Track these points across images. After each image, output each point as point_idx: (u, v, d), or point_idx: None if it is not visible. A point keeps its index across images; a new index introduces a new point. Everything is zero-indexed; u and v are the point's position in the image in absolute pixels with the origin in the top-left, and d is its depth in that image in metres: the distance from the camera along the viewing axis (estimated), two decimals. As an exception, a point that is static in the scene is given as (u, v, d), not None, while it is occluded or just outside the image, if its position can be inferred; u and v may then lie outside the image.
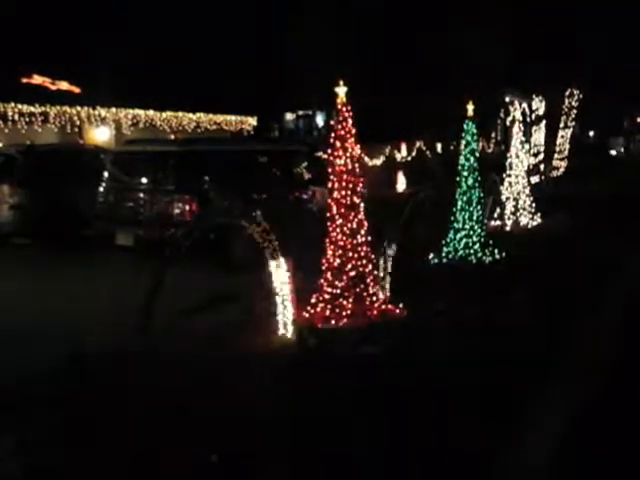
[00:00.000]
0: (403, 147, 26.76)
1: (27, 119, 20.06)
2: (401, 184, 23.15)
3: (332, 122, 7.20)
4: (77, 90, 23.83)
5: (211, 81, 30.93)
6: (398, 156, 25.85)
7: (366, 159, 21.27)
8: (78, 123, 21.70)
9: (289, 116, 41.29)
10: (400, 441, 4.47)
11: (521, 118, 16.33)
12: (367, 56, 33.14)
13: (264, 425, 4.68)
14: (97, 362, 5.92)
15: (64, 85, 23.54)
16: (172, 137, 22.11)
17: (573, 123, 29.19)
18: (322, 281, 7.08)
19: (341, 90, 7.03)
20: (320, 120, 39.87)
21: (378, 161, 24.09)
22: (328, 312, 6.90)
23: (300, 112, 41.08)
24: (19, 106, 20.10)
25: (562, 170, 28.01)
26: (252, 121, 30.57)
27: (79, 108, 21.72)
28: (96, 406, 5.03)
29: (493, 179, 13.54)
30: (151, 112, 24.66)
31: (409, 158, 26.41)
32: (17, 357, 6.11)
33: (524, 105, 25.25)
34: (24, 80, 21.94)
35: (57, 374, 5.68)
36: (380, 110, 32.05)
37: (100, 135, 22.34)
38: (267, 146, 13.65)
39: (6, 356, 6.14)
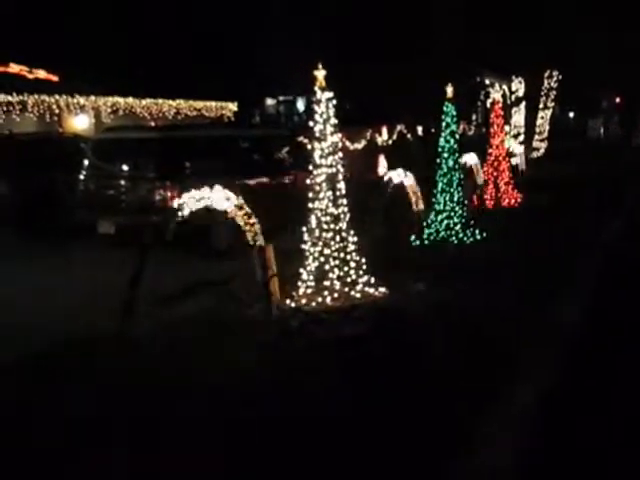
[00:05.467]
0: (384, 130, 26.73)
1: (5, 108, 19.85)
2: (382, 167, 23.14)
3: (312, 106, 7.20)
4: (55, 78, 23.61)
5: (191, 67, 30.79)
6: (379, 140, 25.83)
7: (347, 143, 21.25)
8: (57, 112, 21.51)
9: (270, 101, 41.17)
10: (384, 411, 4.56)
11: (501, 100, 16.37)
12: (347, 40, 33.13)
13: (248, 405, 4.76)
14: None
15: (42, 74, 23.31)
16: (152, 124, 22.01)
17: (552, 104, 29.33)
18: (304, 264, 7.12)
19: (320, 73, 7.02)
20: (301, 105, 39.81)
21: (359, 145, 24.06)
22: (310, 294, 6.94)
23: (281, 97, 40.99)
24: (-4, 96, 19.90)
25: (542, 151, 28.17)
26: (232, 107, 30.43)
27: (57, 97, 21.51)
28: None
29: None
30: (130, 99, 24.48)
31: (390, 142, 26.40)
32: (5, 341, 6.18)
33: (504, 87, 25.34)
34: (0, 69, 21.68)
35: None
36: (362, 93, 32.09)
37: (79, 123, 22.17)
38: (248, 132, 13.63)
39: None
